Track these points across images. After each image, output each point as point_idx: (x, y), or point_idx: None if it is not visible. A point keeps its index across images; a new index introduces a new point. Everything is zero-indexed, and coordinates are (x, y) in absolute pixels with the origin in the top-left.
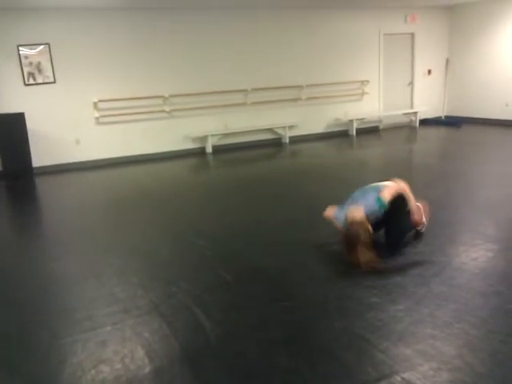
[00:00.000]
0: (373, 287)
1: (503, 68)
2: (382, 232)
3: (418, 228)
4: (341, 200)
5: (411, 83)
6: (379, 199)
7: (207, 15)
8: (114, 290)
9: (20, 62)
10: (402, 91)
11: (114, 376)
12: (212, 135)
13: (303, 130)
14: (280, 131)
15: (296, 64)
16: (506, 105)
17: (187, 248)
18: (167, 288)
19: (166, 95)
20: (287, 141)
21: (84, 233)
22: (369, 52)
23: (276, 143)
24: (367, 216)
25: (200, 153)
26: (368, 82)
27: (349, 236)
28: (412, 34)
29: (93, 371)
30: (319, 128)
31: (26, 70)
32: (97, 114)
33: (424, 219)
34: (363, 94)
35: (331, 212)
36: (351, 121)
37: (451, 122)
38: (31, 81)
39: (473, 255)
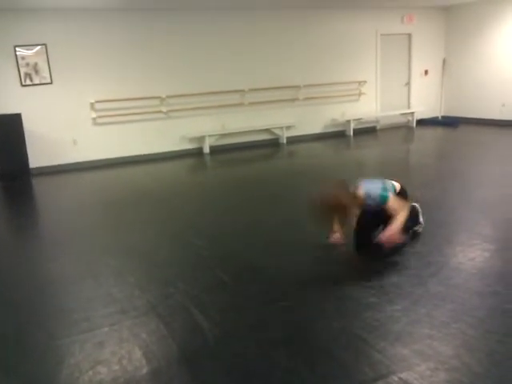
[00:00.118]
0: (370, 287)
1: (499, 68)
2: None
3: (415, 228)
4: None
5: (408, 83)
6: (384, 196)
7: (204, 16)
8: (111, 291)
9: (17, 62)
10: (399, 91)
11: (112, 377)
12: (209, 136)
13: (300, 130)
14: (277, 131)
15: (293, 64)
16: (503, 105)
17: (185, 248)
18: (165, 288)
19: (163, 96)
20: (284, 141)
21: (81, 233)
22: (366, 52)
23: (273, 143)
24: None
25: (197, 153)
26: (365, 82)
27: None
28: (409, 35)
29: (90, 372)
30: (316, 128)
31: (22, 70)
32: (94, 115)
33: (397, 239)
34: (360, 94)
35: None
36: (348, 121)
37: (448, 122)
38: (28, 81)
39: (470, 255)
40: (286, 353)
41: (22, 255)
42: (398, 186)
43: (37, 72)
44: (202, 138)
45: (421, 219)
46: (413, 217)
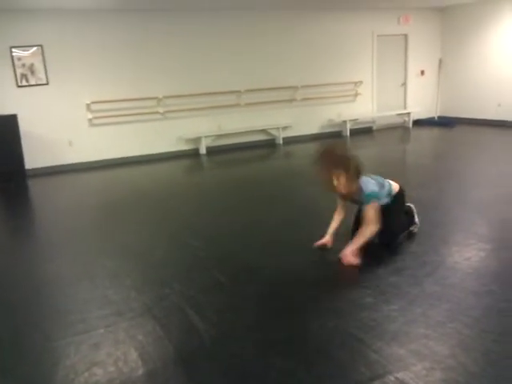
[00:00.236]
0: (367, 287)
1: (495, 68)
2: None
3: (411, 228)
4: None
5: (404, 84)
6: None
7: (200, 17)
8: (107, 292)
9: (13, 63)
10: (395, 92)
11: (107, 379)
12: (206, 136)
13: (297, 130)
14: (274, 132)
15: (290, 65)
16: (499, 105)
17: (181, 249)
18: (161, 290)
19: (160, 96)
20: (281, 142)
21: (77, 234)
22: (362, 53)
23: (270, 144)
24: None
25: (194, 154)
26: (361, 82)
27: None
28: (405, 35)
29: (86, 374)
30: (313, 129)
31: (18, 71)
32: (90, 116)
33: (351, 261)
34: (357, 94)
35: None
36: (345, 122)
37: (444, 123)
38: (24, 82)
39: (466, 255)
40: (283, 353)
41: (18, 256)
42: (396, 187)
43: (33, 73)
44: (198, 139)
45: (416, 219)
46: (409, 217)
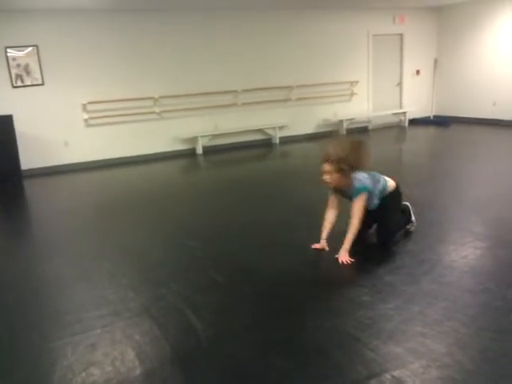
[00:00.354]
0: (363, 286)
1: (490, 67)
2: (371, 235)
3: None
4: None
5: (400, 83)
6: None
7: (196, 17)
8: (104, 293)
9: (8, 63)
10: (390, 91)
11: (105, 379)
12: (202, 136)
13: (293, 130)
14: (270, 132)
15: (286, 65)
16: (494, 104)
17: (178, 249)
18: (158, 290)
19: (156, 96)
20: (277, 141)
21: (74, 235)
22: (358, 53)
23: (266, 144)
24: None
25: (190, 154)
26: (357, 82)
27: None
28: (400, 35)
29: (83, 374)
30: (309, 128)
31: (13, 71)
32: (86, 116)
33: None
34: (352, 94)
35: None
36: (341, 121)
37: (440, 122)
38: (19, 83)
39: (462, 253)
40: (280, 353)
41: (15, 257)
42: (392, 185)
43: (28, 73)
44: (194, 139)
45: (413, 218)
46: (405, 216)
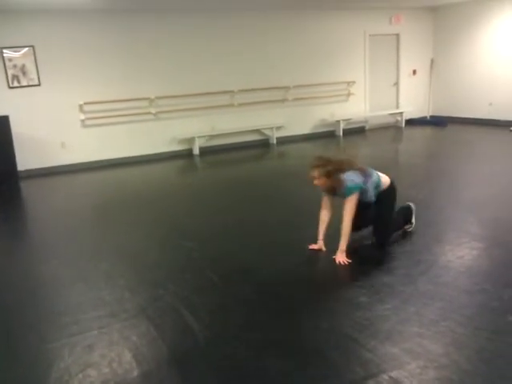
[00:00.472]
0: (361, 287)
1: (486, 68)
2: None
3: (406, 227)
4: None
5: (396, 84)
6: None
7: (193, 17)
8: (101, 294)
9: (4, 64)
10: (387, 92)
11: (102, 380)
12: (199, 137)
13: (290, 130)
14: (267, 132)
15: (282, 65)
16: (490, 104)
17: (175, 250)
18: (154, 290)
19: (152, 97)
20: (274, 142)
21: (71, 236)
22: (354, 53)
23: (263, 144)
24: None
25: (187, 155)
26: (354, 82)
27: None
28: (397, 35)
29: (80, 375)
30: (306, 129)
31: (10, 72)
32: (82, 117)
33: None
34: (349, 94)
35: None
36: (338, 121)
37: (436, 122)
38: (15, 83)
39: (458, 254)
40: (278, 353)
41: (13, 258)
42: (386, 182)
43: (24, 74)
44: (191, 140)
45: (413, 219)
46: (405, 216)
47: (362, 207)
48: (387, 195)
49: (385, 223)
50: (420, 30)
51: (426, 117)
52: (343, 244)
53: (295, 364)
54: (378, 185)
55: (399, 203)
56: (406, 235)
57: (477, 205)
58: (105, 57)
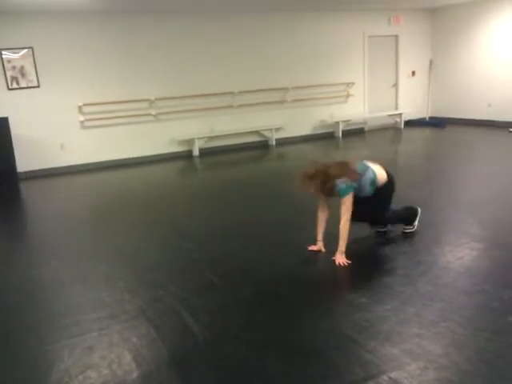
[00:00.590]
0: (361, 288)
1: (485, 69)
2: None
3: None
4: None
5: (395, 85)
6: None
7: (191, 19)
8: (100, 295)
9: (3, 66)
10: (386, 93)
11: (102, 382)
12: (198, 138)
13: (289, 132)
14: (266, 133)
15: (282, 66)
16: (489, 105)
17: (175, 251)
18: (154, 292)
19: (152, 98)
20: (274, 143)
21: (71, 237)
22: (353, 54)
23: (263, 145)
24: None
25: (187, 156)
26: (353, 83)
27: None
28: (396, 36)
29: (80, 377)
30: (305, 130)
31: (9, 74)
32: (82, 118)
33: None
34: (348, 95)
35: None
36: (337, 122)
37: (435, 123)
38: (15, 85)
39: (458, 254)
40: (277, 354)
41: (12, 260)
42: (382, 176)
43: (23, 75)
44: (191, 141)
45: (415, 222)
46: (409, 216)
47: (360, 201)
48: (384, 190)
49: (380, 216)
50: (419, 32)
51: (424, 118)
52: (342, 245)
53: (295, 364)
54: (373, 181)
55: (401, 203)
56: (405, 236)
57: (476, 206)
58: (104, 58)
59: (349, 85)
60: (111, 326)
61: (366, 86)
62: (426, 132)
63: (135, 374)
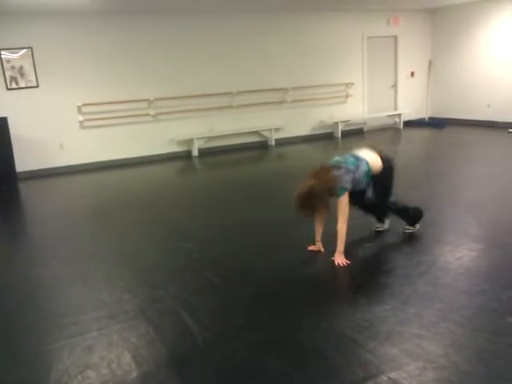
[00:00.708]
0: (361, 288)
1: (485, 69)
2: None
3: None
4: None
5: (395, 85)
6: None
7: (191, 19)
8: (100, 295)
9: (2, 66)
10: (385, 93)
11: (101, 382)
12: (198, 138)
13: (289, 132)
14: (266, 134)
15: (281, 67)
16: (488, 106)
17: (174, 251)
18: (154, 292)
19: (151, 98)
20: (273, 143)
21: (70, 237)
22: (353, 55)
23: (262, 146)
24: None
25: (186, 156)
26: (352, 84)
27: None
28: (395, 37)
29: (79, 377)
30: (305, 130)
31: (8, 74)
32: (81, 118)
33: (341, 262)
34: (347, 96)
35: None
36: (336, 123)
37: (435, 124)
38: (14, 85)
39: (457, 255)
40: (277, 354)
41: (12, 260)
42: (377, 165)
43: (22, 75)
44: (190, 141)
45: (418, 225)
46: (413, 216)
47: (358, 193)
48: (381, 177)
49: (382, 200)
50: (418, 32)
51: (424, 118)
52: (340, 245)
53: (295, 364)
54: (367, 172)
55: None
56: (405, 236)
57: (476, 206)
58: (103, 58)
59: (348, 85)
60: (111, 326)
61: (365, 87)
62: (426, 132)
63: (134, 374)
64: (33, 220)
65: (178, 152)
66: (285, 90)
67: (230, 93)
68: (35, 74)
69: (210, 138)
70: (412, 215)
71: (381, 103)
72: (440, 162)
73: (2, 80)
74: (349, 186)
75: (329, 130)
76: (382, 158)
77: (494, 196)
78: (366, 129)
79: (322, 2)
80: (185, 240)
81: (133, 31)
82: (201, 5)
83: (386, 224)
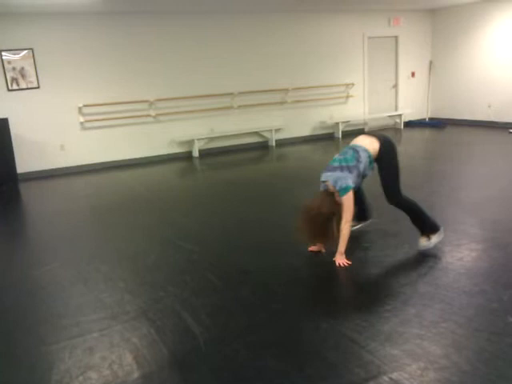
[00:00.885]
0: (360, 288)
1: (485, 70)
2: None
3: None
4: None
5: (395, 86)
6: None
7: (192, 19)
8: (101, 296)
9: (3, 67)
10: (386, 94)
11: (102, 382)
12: (198, 139)
13: (289, 133)
14: (266, 134)
15: (281, 67)
16: (489, 106)
17: (174, 252)
18: (155, 293)
19: (152, 99)
20: (274, 144)
21: (71, 238)
22: (353, 55)
23: (263, 146)
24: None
25: (187, 157)
26: (353, 84)
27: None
28: (396, 37)
29: (80, 378)
30: (305, 131)
31: (9, 75)
32: (82, 119)
33: (342, 262)
34: (348, 96)
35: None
36: (337, 123)
37: (435, 124)
38: (14, 86)
39: (458, 255)
40: (277, 355)
41: (12, 260)
42: (375, 149)
43: (23, 76)
44: (191, 142)
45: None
46: (424, 220)
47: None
48: (385, 157)
49: (393, 189)
50: (419, 33)
51: (424, 119)
52: (342, 246)
53: (295, 365)
54: (370, 157)
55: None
56: (405, 237)
57: (476, 206)
58: (104, 59)
59: (349, 86)
60: (112, 327)
61: (365, 87)
62: (426, 133)
63: (136, 375)
64: (33, 221)
65: (178, 153)
66: (285, 90)
67: (231, 94)
68: (36, 75)
69: (211, 139)
70: (424, 218)
71: (381, 104)
72: (440, 163)
73: (3, 81)
74: (354, 182)
75: (329, 131)
76: (379, 140)
77: (495, 196)
78: (366, 129)
79: (322, 3)
80: (185, 241)
81: (133, 32)
82: (201, 6)
83: (364, 224)
